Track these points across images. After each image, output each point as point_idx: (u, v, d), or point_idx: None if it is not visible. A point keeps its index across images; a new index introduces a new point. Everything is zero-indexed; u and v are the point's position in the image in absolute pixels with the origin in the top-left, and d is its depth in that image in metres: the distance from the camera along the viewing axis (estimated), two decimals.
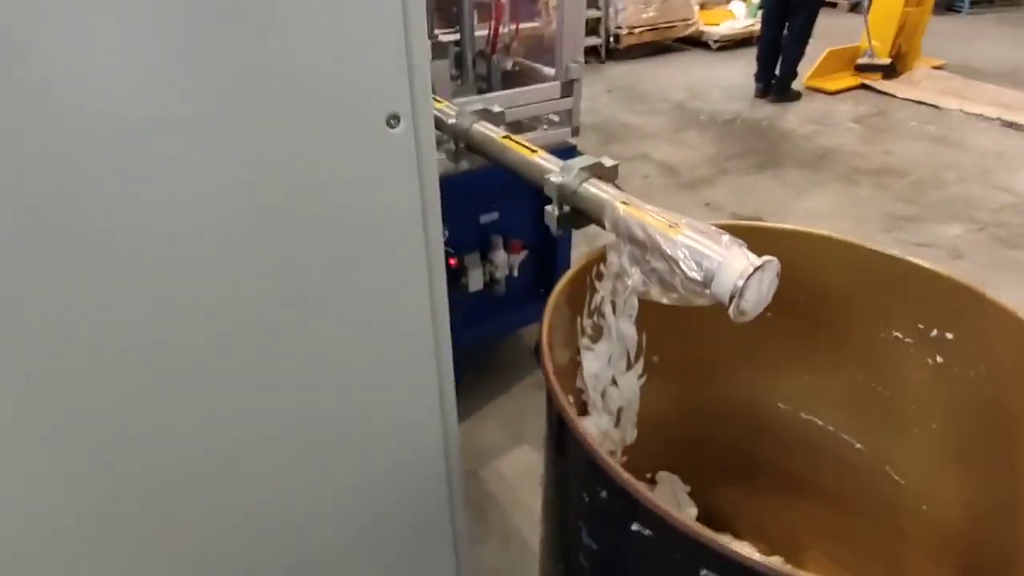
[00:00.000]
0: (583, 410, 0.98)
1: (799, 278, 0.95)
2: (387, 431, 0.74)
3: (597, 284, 0.89)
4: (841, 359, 0.98)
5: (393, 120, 0.58)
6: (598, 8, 5.19)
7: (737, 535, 1.29)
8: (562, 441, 0.68)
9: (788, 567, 0.44)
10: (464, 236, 1.60)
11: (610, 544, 0.59)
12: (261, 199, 0.56)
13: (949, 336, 0.82)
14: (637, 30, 5.33)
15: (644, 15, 5.34)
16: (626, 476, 0.49)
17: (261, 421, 0.64)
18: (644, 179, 3.32)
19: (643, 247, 0.73)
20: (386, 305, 0.66)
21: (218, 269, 0.56)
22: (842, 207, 2.99)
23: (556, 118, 1.64)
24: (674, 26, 5.56)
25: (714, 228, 0.69)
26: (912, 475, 0.95)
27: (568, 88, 1.55)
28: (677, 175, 3.36)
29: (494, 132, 1.02)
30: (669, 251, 0.69)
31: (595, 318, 0.91)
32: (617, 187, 0.84)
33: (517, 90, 1.51)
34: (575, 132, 1.62)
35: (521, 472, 1.65)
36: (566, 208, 0.84)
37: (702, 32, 5.71)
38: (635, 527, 0.51)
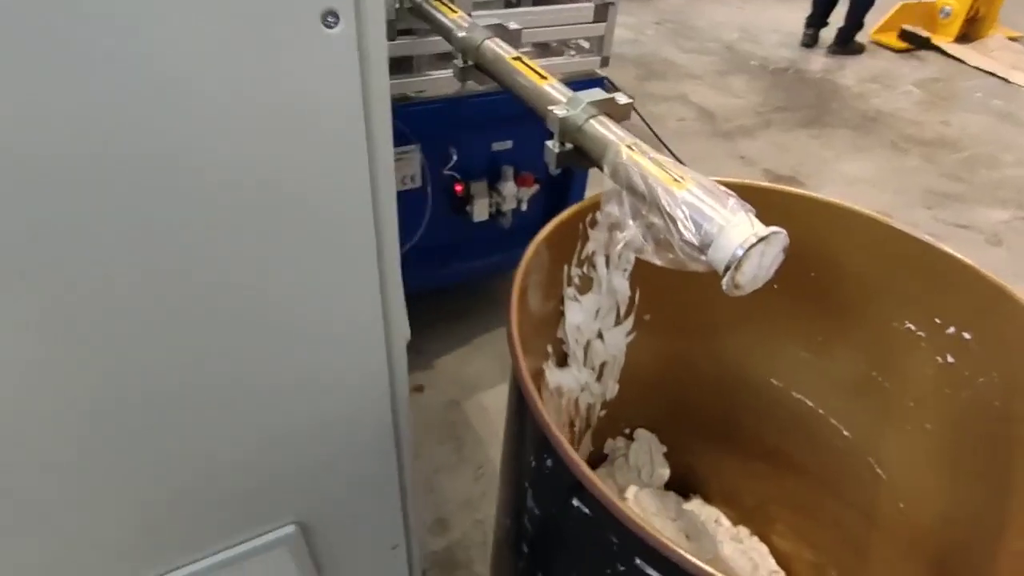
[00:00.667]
0: (563, 360, 0.94)
1: (812, 250, 0.88)
2: (324, 340, 0.65)
3: (591, 232, 0.82)
4: (844, 342, 0.92)
5: (330, 18, 0.46)
6: None
7: (708, 499, 1.28)
8: (519, 398, 0.64)
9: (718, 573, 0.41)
10: (473, 163, 1.52)
11: (551, 513, 0.56)
12: (159, 109, 0.44)
13: (967, 336, 0.75)
14: None
15: None
16: (570, 451, 0.45)
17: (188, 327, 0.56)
18: (679, 122, 3.14)
19: (642, 199, 0.66)
20: (323, 232, 0.55)
21: (127, 188, 0.46)
22: (885, 176, 2.82)
23: (586, 44, 1.51)
24: None
25: (722, 188, 0.61)
26: (895, 471, 0.90)
27: (602, 12, 1.41)
28: (715, 122, 3.18)
29: (505, 51, 0.92)
30: (668, 207, 0.62)
31: (585, 268, 0.85)
32: (649, 129, 0.76)
33: (544, 8, 1.37)
34: (604, 62, 1.50)
35: (503, 406, 1.64)
36: (568, 145, 0.76)
37: None
38: (575, 503, 0.48)
